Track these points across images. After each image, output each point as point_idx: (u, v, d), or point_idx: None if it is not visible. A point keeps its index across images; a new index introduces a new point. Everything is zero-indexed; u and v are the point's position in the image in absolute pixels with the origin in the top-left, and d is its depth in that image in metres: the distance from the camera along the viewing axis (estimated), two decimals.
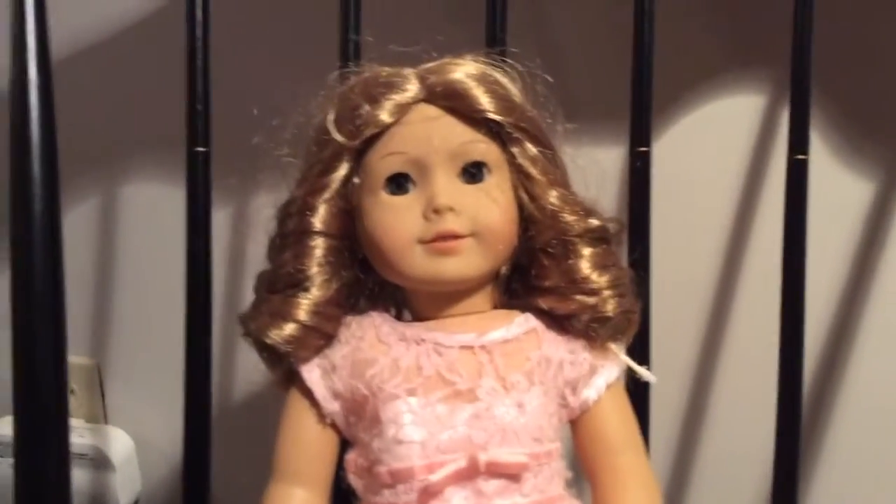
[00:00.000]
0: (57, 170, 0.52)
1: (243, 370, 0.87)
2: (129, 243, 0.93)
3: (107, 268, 0.93)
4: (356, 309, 0.55)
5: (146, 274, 0.92)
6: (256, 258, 0.56)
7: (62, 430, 0.52)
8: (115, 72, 0.87)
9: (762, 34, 0.73)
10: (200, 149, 0.60)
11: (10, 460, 0.91)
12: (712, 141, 0.76)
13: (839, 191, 0.73)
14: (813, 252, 0.61)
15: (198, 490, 0.63)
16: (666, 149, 0.72)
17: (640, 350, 0.59)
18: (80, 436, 0.93)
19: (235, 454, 0.68)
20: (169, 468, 0.97)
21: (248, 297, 0.56)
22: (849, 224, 0.74)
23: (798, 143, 0.60)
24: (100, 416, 0.97)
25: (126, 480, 0.95)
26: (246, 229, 0.84)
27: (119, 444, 0.96)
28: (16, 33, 0.51)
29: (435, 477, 0.47)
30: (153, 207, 0.90)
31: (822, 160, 0.72)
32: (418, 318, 0.54)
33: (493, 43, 0.62)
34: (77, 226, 0.91)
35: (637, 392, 0.57)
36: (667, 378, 0.58)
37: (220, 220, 0.82)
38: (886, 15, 0.71)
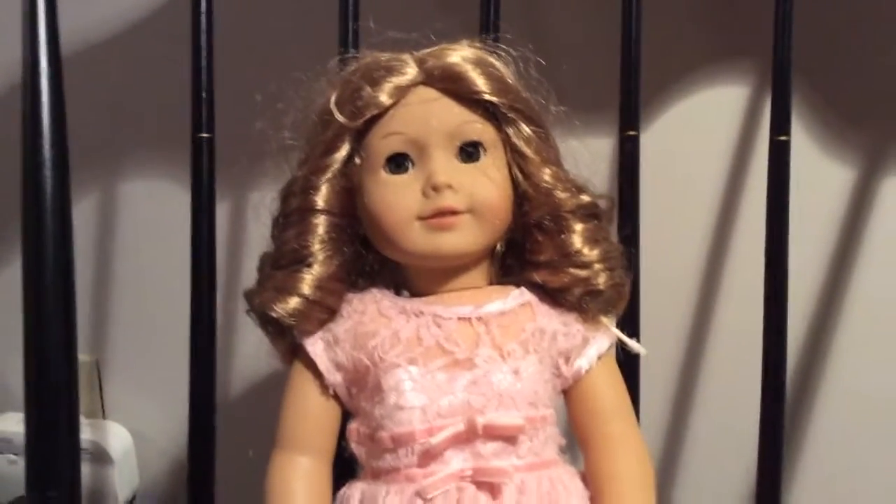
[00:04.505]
0: (67, 155, 0.53)
1: (245, 357, 0.87)
2: (126, 238, 0.93)
3: (104, 263, 0.93)
4: (356, 287, 0.56)
5: (144, 270, 0.93)
6: (259, 246, 0.57)
7: (73, 427, 0.52)
8: (113, 66, 0.88)
9: (747, 24, 0.75)
10: (205, 135, 0.61)
11: (8, 456, 0.93)
12: (699, 127, 0.78)
13: (819, 174, 0.75)
14: (795, 233, 0.62)
15: (202, 477, 0.64)
16: (655, 135, 0.74)
17: (630, 324, 0.60)
18: None
19: (236, 438, 0.68)
20: (166, 462, 0.97)
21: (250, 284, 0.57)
22: (829, 206, 0.76)
23: (780, 125, 0.62)
24: (98, 411, 0.97)
25: (124, 475, 0.95)
26: (247, 218, 0.84)
27: (117, 438, 0.96)
28: (27, 23, 0.53)
29: (435, 440, 0.49)
30: (151, 202, 0.90)
31: (803, 145, 0.74)
32: (416, 294, 0.56)
33: (487, 29, 0.64)
34: (74, 220, 0.92)
35: (627, 364, 0.58)
36: (655, 351, 0.60)
37: (223, 210, 0.83)
38: (864, 5, 0.74)
